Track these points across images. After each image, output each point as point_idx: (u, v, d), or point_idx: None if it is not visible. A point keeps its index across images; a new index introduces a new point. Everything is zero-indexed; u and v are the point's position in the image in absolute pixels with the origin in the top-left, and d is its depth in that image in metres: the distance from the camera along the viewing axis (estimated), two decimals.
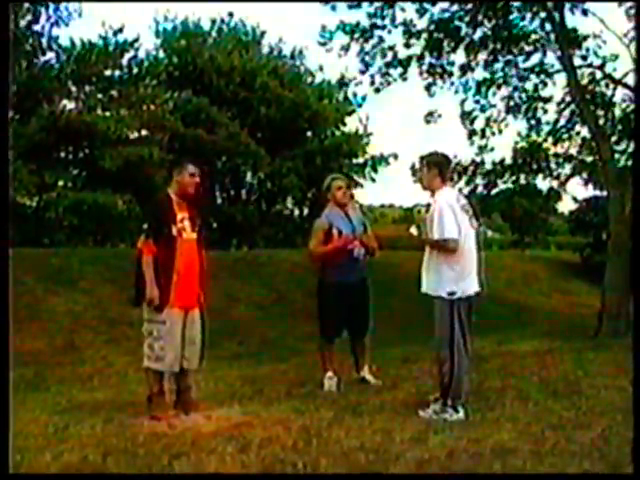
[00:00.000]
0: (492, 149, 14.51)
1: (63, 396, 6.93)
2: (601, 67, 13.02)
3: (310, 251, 7.06)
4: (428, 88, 14.04)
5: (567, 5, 12.26)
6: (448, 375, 5.61)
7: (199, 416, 5.64)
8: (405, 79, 13.78)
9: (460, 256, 5.56)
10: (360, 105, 26.30)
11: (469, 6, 13.05)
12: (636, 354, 5.35)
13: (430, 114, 14.56)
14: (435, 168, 5.72)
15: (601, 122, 13.17)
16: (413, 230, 6.01)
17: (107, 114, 21.92)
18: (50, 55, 19.85)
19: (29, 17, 16.67)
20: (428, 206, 5.88)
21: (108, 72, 22.50)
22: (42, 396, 6.98)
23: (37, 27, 17.13)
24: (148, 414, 5.63)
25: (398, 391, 6.60)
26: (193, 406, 5.81)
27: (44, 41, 17.89)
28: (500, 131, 14.43)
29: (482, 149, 14.44)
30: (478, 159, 14.43)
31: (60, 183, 21.28)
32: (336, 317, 6.89)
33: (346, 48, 13.44)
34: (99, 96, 22.44)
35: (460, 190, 6.15)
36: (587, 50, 13.22)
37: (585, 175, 14.95)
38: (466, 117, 14.38)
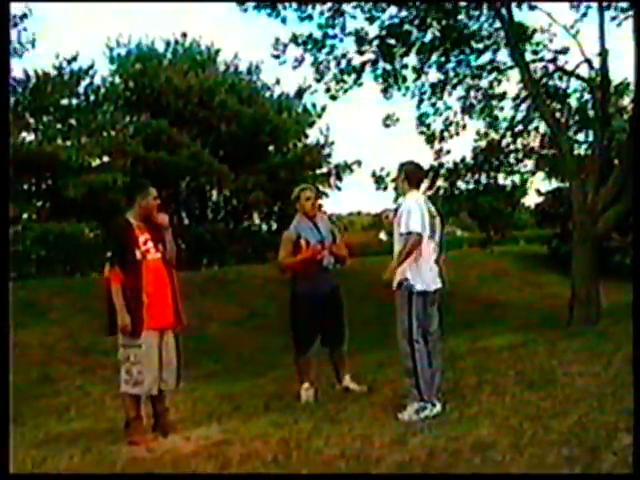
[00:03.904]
0: (449, 151, 14.63)
1: (40, 429, 6.86)
2: (553, 60, 13.18)
3: (279, 262, 7.07)
4: (385, 91, 14.13)
5: (514, 1, 12.40)
6: (412, 370, 5.73)
7: (178, 438, 5.62)
8: (360, 84, 13.86)
9: (418, 252, 5.76)
10: (320, 116, 26.32)
11: (417, 10, 13.15)
12: (635, 349, 5.44)
13: (388, 118, 14.67)
14: (404, 174, 6.09)
15: (558, 115, 13.33)
16: (382, 236, 6.13)
17: (67, 143, 21.76)
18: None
19: None
20: (396, 211, 6.12)
21: (65, 101, 22.34)
22: (18, 430, 6.89)
23: None
24: (126, 440, 5.60)
25: (376, 396, 6.63)
26: (171, 428, 5.78)
27: None
28: (457, 133, 14.56)
29: (440, 152, 14.55)
30: (437, 163, 14.51)
31: (25, 215, 21.08)
32: (309, 328, 6.88)
33: (300, 60, 13.51)
34: (58, 126, 22.28)
35: (424, 194, 6.30)
36: (537, 44, 13.40)
37: (547, 168, 15.10)
38: (422, 121, 14.50)
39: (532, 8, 12.75)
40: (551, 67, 13.30)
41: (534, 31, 13.28)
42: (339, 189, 26.55)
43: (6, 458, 3.47)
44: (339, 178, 26.44)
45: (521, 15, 12.81)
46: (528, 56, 12.83)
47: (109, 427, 6.36)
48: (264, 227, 27.36)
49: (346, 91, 13.85)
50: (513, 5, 12.32)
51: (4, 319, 3.63)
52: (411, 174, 6.09)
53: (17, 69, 19.54)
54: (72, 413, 7.78)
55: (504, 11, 12.10)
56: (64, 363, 10.16)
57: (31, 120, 21.90)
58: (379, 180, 14.31)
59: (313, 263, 6.80)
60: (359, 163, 26.40)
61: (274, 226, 26.82)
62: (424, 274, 5.80)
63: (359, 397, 6.64)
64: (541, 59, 13.36)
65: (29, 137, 21.54)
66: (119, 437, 5.73)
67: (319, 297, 6.80)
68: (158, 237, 5.75)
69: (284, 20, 12.90)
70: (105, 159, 23.09)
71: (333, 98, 13.99)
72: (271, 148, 26.25)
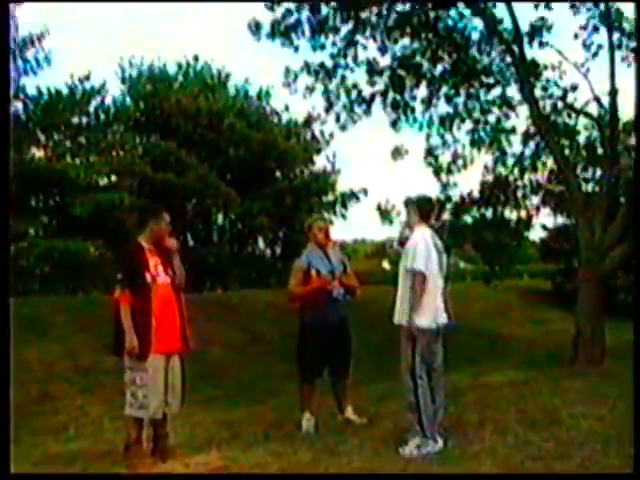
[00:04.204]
0: (455, 184, 14.61)
1: (38, 448, 6.84)
2: (562, 97, 13.21)
3: (289, 292, 7.05)
4: (394, 124, 14.16)
5: (525, 38, 12.48)
6: (414, 406, 5.71)
7: (176, 463, 5.58)
8: (369, 115, 13.91)
9: (424, 290, 5.76)
10: (328, 143, 26.39)
11: (429, 42, 13.24)
12: (636, 356, 5.44)
13: (397, 150, 14.65)
14: (414, 208, 6.14)
15: (566, 151, 13.34)
16: (386, 265, 6.14)
17: (76, 161, 21.87)
18: (17, 104, 19.81)
19: None
20: (401, 242, 6.22)
21: (76, 119, 22.48)
22: (15, 448, 6.85)
23: None
24: (125, 463, 5.56)
25: (376, 429, 6.59)
26: (170, 453, 5.75)
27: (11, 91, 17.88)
28: (465, 166, 14.56)
29: (447, 185, 14.55)
30: (443, 196, 14.48)
31: (31, 231, 21.13)
32: (316, 358, 6.85)
33: (311, 89, 13.55)
34: (68, 144, 22.40)
35: (432, 227, 6.29)
36: (547, 81, 13.41)
37: (553, 204, 15.08)
38: (430, 153, 14.51)
39: (543, 45, 12.82)
40: (560, 104, 13.32)
41: (544, 68, 13.31)
42: (344, 217, 26.58)
43: (7, 458, 3.45)
44: (345, 206, 26.47)
45: (532, 52, 12.82)
46: (538, 92, 12.86)
47: (107, 449, 6.33)
48: (268, 252, 27.34)
49: (356, 121, 13.91)
50: (524, 41, 12.40)
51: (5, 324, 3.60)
52: (421, 208, 6.14)
53: (30, 86, 19.71)
54: (71, 433, 7.74)
55: (515, 47, 12.18)
56: (64, 381, 10.11)
57: (42, 137, 22.03)
58: (384, 213, 14.33)
59: (323, 293, 6.79)
60: (365, 191, 26.43)
61: (278, 251, 26.83)
62: (428, 310, 5.80)
63: (360, 429, 6.60)
64: (550, 96, 13.37)
65: (39, 153, 21.66)
66: (117, 460, 5.70)
67: (328, 327, 6.78)
68: (167, 261, 5.77)
69: (297, 49, 12.98)
70: (113, 178, 23.18)
71: (343, 128, 14.03)
72: (278, 174, 26.32)
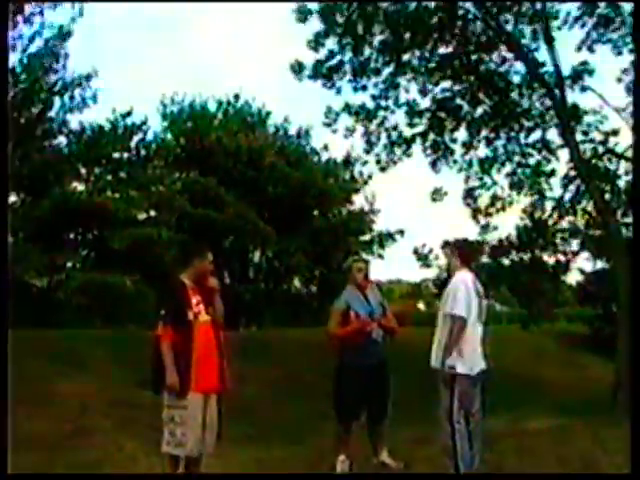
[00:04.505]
0: (496, 228, 14.54)
1: None
2: (603, 142, 13.17)
3: (328, 333, 7.04)
4: (433, 164, 14.20)
5: (567, 82, 12.49)
6: (451, 450, 5.65)
7: None
8: (409, 156, 13.98)
9: (464, 335, 5.72)
10: (366, 183, 26.48)
11: (470, 85, 13.31)
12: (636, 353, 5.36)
13: (436, 192, 14.65)
14: (457, 253, 6.11)
15: (607, 196, 13.26)
16: (421, 306, 6.12)
17: (116, 195, 22.21)
18: (61, 139, 20.22)
19: (41, 105, 17.06)
20: (436, 281, 6.20)
21: (117, 154, 22.89)
22: None
23: (50, 113, 17.53)
24: None
25: (412, 473, 6.50)
26: None
27: (55, 125, 18.27)
28: (504, 209, 14.50)
29: (486, 227, 14.47)
30: (481, 238, 14.39)
31: (69, 264, 21.44)
32: (354, 400, 6.81)
33: (351, 129, 13.70)
34: (108, 178, 22.78)
35: (472, 270, 6.25)
36: (588, 125, 13.39)
37: (592, 249, 14.93)
38: (469, 195, 14.48)
39: (584, 89, 12.82)
40: (601, 148, 13.28)
41: (585, 112, 13.29)
42: (381, 257, 26.59)
43: (4, 459, 3.46)
44: (382, 246, 26.49)
45: (573, 95, 12.83)
46: (578, 136, 12.87)
47: None
48: (304, 290, 27.38)
49: (395, 162, 13.98)
50: (566, 85, 12.41)
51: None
52: (463, 251, 6.11)
53: (74, 121, 20.10)
54: (105, 468, 7.73)
55: (557, 91, 12.19)
56: (100, 415, 10.12)
57: (83, 170, 22.43)
58: (421, 258, 14.29)
59: (362, 335, 6.77)
60: (402, 233, 26.46)
61: (314, 290, 26.85)
62: (467, 356, 5.75)
63: (395, 474, 6.52)
64: (591, 140, 13.35)
65: (80, 187, 22.05)
66: None
67: (366, 369, 6.75)
68: (208, 299, 5.80)
69: (339, 90, 13.14)
70: (152, 213, 23.48)
71: (383, 170, 14.12)
72: (316, 212, 26.44)
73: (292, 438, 9.22)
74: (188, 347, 5.56)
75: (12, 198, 20.03)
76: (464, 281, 5.88)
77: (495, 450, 6.99)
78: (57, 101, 17.38)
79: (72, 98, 17.26)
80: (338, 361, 6.96)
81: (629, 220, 13.80)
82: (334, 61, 13.08)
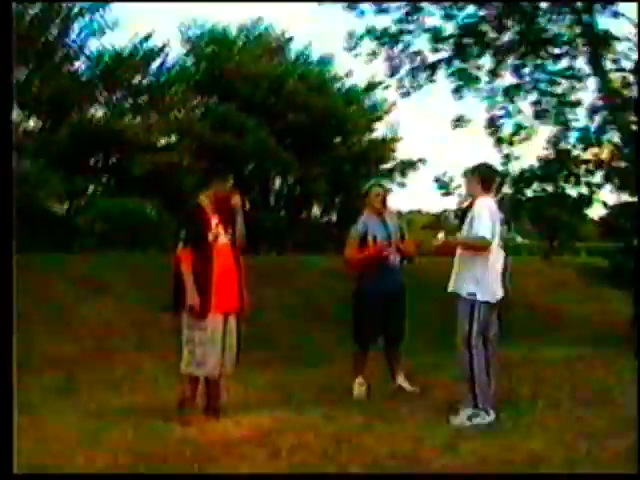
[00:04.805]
0: (517, 158, 14.25)
1: (93, 401, 6.97)
2: (634, 71, 12.81)
3: (346, 258, 7.05)
4: (457, 90, 13.92)
5: (597, 7, 12.11)
6: (469, 376, 5.67)
7: (229, 422, 5.65)
8: (433, 81, 13.71)
9: (485, 260, 5.69)
10: (388, 111, 26.09)
11: (496, 10, 12.95)
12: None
13: (458, 119, 14.38)
14: (478, 177, 5.97)
15: (633, 127, 12.99)
16: (441, 236, 6.03)
17: (136, 121, 22.06)
18: (78, 64, 20.02)
19: (59, 29, 16.88)
20: (457, 212, 6.12)
21: (136, 79, 22.62)
22: (73, 400, 7.02)
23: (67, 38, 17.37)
24: (179, 419, 5.65)
25: (428, 398, 6.59)
26: (223, 412, 5.82)
27: (72, 50, 18.09)
28: (528, 138, 14.22)
29: (509, 157, 14.20)
30: (504, 168, 14.12)
31: (90, 189, 21.47)
32: (372, 324, 6.87)
33: (374, 54, 13.43)
34: (128, 103, 22.57)
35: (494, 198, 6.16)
36: (618, 53, 13.04)
37: (617, 182, 14.69)
38: (493, 124, 14.19)
39: (616, 15, 12.42)
40: (631, 77, 12.94)
41: (616, 39, 12.90)
42: (403, 186, 26.40)
43: (10, 459, 3.52)
44: (403, 175, 26.29)
45: (603, 22, 12.46)
46: (607, 64, 12.54)
47: (161, 404, 6.41)
48: (325, 218, 27.35)
49: (418, 88, 13.73)
50: (596, 10, 12.05)
51: (9, 321, 3.64)
52: (485, 177, 5.99)
53: (93, 46, 19.84)
54: (125, 387, 7.87)
55: (587, 16, 11.85)
56: (120, 337, 10.28)
57: (102, 96, 22.22)
58: (443, 186, 14.07)
59: (379, 260, 6.77)
60: (423, 161, 26.21)
61: (334, 218, 26.82)
62: (489, 284, 5.72)
63: (411, 397, 6.61)
64: (621, 69, 13.00)
65: (99, 113, 21.87)
66: (171, 416, 5.79)
67: (383, 294, 6.77)
68: (228, 221, 5.80)
69: (362, 13, 12.86)
70: (172, 139, 23.35)
71: (406, 94, 13.88)
72: (337, 140, 26.18)
73: (310, 362, 9.33)
74: (208, 268, 5.60)
75: (31, 123, 19.97)
76: (488, 206, 5.80)
77: (512, 377, 7.05)
78: (76, 27, 17.20)
79: (91, 22, 17.05)
80: (356, 286, 6.99)
81: None
82: None
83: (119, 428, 5.49)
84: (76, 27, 17.22)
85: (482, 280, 5.69)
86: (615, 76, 12.85)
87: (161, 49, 22.70)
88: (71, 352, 9.33)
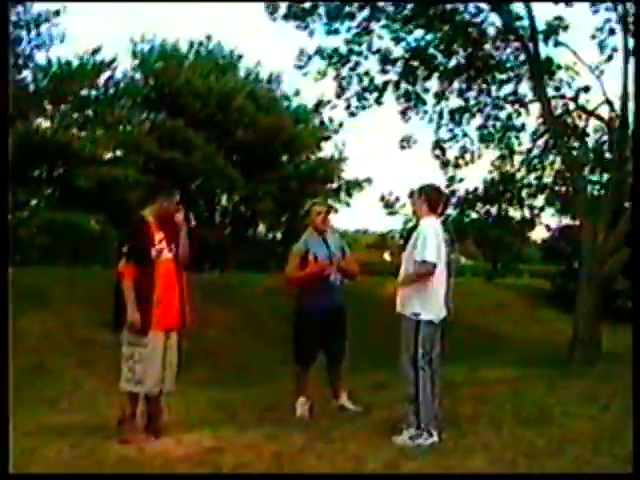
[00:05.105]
0: (462, 179, 14.49)
1: (31, 418, 6.80)
2: (574, 98, 13.14)
3: (286, 276, 7.05)
4: (403, 113, 14.10)
5: (541, 36, 12.42)
6: (413, 397, 5.68)
7: (170, 440, 5.58)
8: (380, 104, 13.84)
9: (429, 281, 5.73)
10: (337, 131, 26.27)
11: (444, 35, 13.16)
12: (635, 350, 5.45)
13: (405, 140, 14.56)
14: (425, 198, 6.00)
15: (575, 153, 13.31)
16: (386, 256, 6.09)
17: (82, 134, 21.81)
18: (26, 73, 19.77)
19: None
20: (405, 236, 6.11)
21: (84, 92, 22.39)
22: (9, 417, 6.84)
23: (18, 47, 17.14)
24: (118, 438, 5.56)
25: (371, 417, 6.58)
26: (164, 430, 5.75)
27: (20, 60, 17.85)
28: (472, 161, 14.48)
29: (453, 179, 14.43)
30: (449, 190, 14.29)
31: (33, 202, 21.11)
32: (312, 343, 6.86)
33: (323, 73, 13.51)
34: (75, 115, 22.32)
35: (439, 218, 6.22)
36: (560, 81, 13.36)
37: (558, 205, 15.01)
38: (438, 146, 14.40)
39: (558, 44, 12.74)
40: (572, 105, 13.27)
41: (558, 67, 13.23)
42: (348, 205, 26.60)
43: (5, 458, 3.45)
44: (349, 194, 26.47)
45: (547, 50, 12.75)
46: (550, 91, 12.83)
47: (100, 423, 6.30)
48: (269, 236, 27.35)
49: (365, 108, 13.83)
50: (540, 39, 12.35)
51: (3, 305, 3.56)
52: (432, 198, 6.03)
53: (41, 57, 19.64)
54: (64, 405, 7.73)
55: (531, 45, 12.13)
56: (60, 353, 10.09)
57: (49, 107, 21.93)
58: (388, 204, 14.18)
59: (320, 278, 6.78)
60: (369, 181, 26.44)
61: (279, 236, 26.84)
62: (433, 304, 5.76)
63: (354, 417, 6.60)
64: (563, 96, 13.33)
65: (45, 124, 21.58)
66: (110, 434, 5.69)
67: (324, 313, 6.78)
68: (172, 237, 5.75)
69: (312, 33, 12.94)
70: (118, 153, 23.14)
71: (352, 115, 13.96)
72: (284, 158, 26.26)
73: (252, 381, 9.29)
74: (150, 284, 5.53)
75: None
76: (433, 226, 5.84)
77: (452, 397, 7.10)
78: (24, 37, 17.01)
79: (39, 35, 16.87)
80: (296, 304, 6.98)
81: (595, 178, 13.89)
82: (308, 3, 12.85)
83: (56, 446, 5.38)
84: (25, 37, 16.98)
85: (426, 300, 5.72)
86: (557, 102, 13.15)
87: (110, 63, 22.56)
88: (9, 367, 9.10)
